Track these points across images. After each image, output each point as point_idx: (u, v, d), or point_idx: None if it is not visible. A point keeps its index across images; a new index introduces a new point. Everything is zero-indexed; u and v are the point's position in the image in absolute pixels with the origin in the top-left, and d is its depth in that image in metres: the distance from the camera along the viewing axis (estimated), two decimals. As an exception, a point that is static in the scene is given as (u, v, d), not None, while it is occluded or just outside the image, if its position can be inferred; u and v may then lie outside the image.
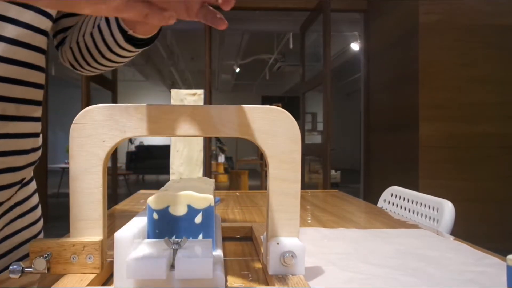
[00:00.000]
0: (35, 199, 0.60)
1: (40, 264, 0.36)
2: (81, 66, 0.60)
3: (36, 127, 0.54)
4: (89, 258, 0.38)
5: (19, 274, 0.36)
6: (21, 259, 0.54)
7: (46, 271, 0.37)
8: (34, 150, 0.54)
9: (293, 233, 0.40)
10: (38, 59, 0.52)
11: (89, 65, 0.59)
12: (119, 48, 0.53)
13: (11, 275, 0.36)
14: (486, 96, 2.36)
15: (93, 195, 0.38)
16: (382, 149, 3.00)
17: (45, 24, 0.51)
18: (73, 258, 0.37)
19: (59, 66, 6.56)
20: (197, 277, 0.32)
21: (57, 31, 0.61)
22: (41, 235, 0.61)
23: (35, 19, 0.49)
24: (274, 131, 0.39)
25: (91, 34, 0.56)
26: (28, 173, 0.56)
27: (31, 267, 0.36)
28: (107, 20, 0.52)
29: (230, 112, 0.39)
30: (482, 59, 2.36)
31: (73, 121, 0.38)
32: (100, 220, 0.39)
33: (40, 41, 0.51)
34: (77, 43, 0.58)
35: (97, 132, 0.38)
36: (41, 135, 0.58)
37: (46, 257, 0.37)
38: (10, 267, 0.36)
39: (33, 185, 0.59)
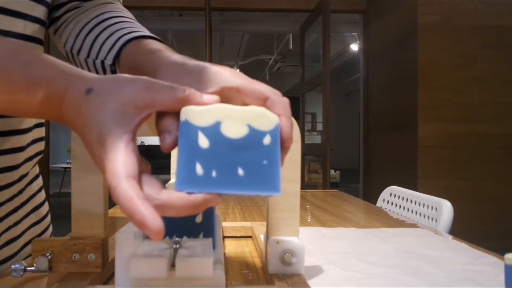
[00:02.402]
0: (41, 196, 0.58)
1: (42, 263, 0.37)
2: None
3: (29, 122, 0.51)
4: (90, 257, 0.38)
5: (21, 273, 0.36)
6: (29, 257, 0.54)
7: (48, 270, 0.37)
8: (29, 145, 0.52)
9: (293, 232, 0.41)
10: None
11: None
12: None
13: (13, 274, 0.36)
14: (484, 96, 2.37)
15: (94, 195, 0.39)
16: (381, 149, 3.00)
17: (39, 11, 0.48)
18: (75, 257, 0.38)
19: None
20: (198, 276, 0.32)
21: (51, 10, 0.55)
22: (49, 230, 0.60)
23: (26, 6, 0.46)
24: None
25: (87, 66, 0.51)
26: (25, 169, 0.53)
27: (33, 266, 0.37)
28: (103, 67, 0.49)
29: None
30: (481, 60, 2.37)
31: (75, 122, 0.38)
32: (101, 220, 0.39)
33: (33, 30, 0.48)
34: (72, 56, 0.53)
35: (99, 133, 0.38)
36: (39, 129, 0.55)
37: (48, 256, 0.37)
38: (12, 266, 0.36)
39: (37, 184, 0.58)
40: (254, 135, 0.28)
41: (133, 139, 0.27)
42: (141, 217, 0.24)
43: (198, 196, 0.26)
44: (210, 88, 0.33)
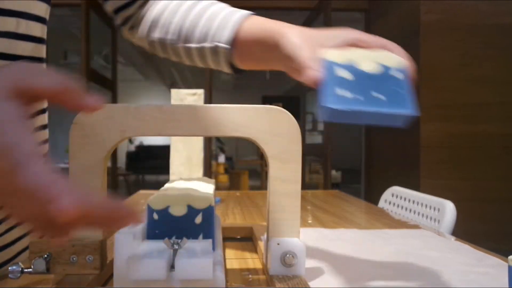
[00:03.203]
0: None
1: (39, 265, 0.36)
2: (160, 55, 0.56)
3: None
4: (88, 258, 0.38)
5: (19, 275, 0.35)
6: None
7: (45, 272, 0.36)
8: None
9: (294, 233, 0.40)
10: (35, 50, 0.48)
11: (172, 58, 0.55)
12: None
13: (10, 276, 0.35)
14: (487, 96, 2.36)
15: (92, 195, 0.38)
16: (383, 149, 2.99)
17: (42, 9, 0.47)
18: (73, 259, 0.37)
19: (59, 66, 6.57)
20: (197, 277, 0.32)
21: (116, 9, 0.53)
22: None
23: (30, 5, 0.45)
24: (275, 131, 0.39)
25: (188, 54, 0.51)
26: None
27: (30, 267, 0.36)
28: (214, 50, 0.49)
29: (230, 112, 0.39)
30: (484, 59, 2.36)
31: (73, 121, 0.38)
32: (99, 221, 0.38)
33: (35, 29, 0.47)
34: (164, 46, 0.52)
35: (97, 132, 0.38)
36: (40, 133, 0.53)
37: (45, 257, 0.37)
38: (9, 268, 0.35)
39: None
40: (387, 70, 0.33)
41: (28, 119, 0.25)
42: (60, 191, 0.21)
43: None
44: (333, 43, 0.37)
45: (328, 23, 2.76)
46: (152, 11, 0.53)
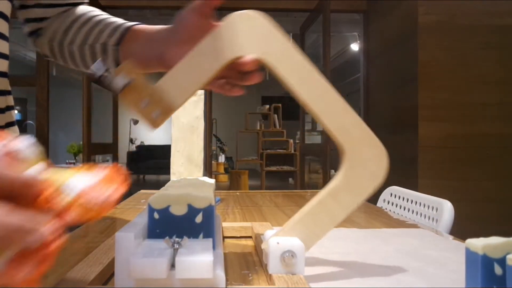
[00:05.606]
0: None
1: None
2: (58, 61, 0.61)
3: None
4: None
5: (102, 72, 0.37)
6: None
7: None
8: None
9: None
10: None
11: (69, 66, 0.60)
12: None
13: (95, 70, 0.38)
14: (485, 96, 2.37)
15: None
16: (382, 149, 2.99)
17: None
18: (75, 258, 0.38)
19: (60, 66, 6.56)
20: (198, 276, 0.32)
21: (29, 19, 0.59)
22: None
23: None
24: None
25: (81, 53, 0.56)
26: None
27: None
28: (104, 48, 0.55)
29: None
30: (481, 60, 2.36)
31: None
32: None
33: None
34: (61, 47, 0.57)
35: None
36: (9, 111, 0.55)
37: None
38: (94, 65, 0.38)
39: None
40: None
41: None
42: None
43: None
44: None
45: (327, 24, 2.77)
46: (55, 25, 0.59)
